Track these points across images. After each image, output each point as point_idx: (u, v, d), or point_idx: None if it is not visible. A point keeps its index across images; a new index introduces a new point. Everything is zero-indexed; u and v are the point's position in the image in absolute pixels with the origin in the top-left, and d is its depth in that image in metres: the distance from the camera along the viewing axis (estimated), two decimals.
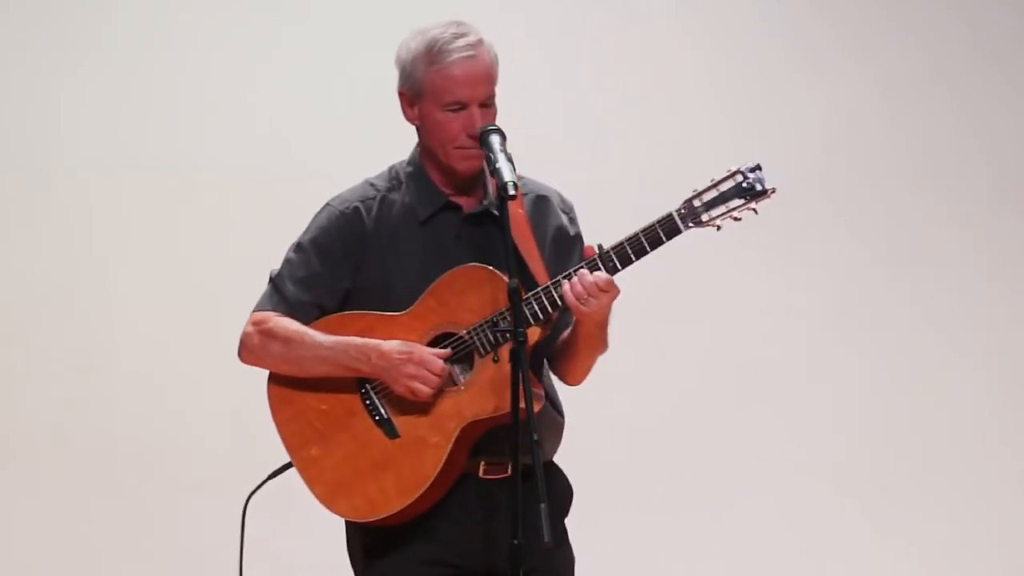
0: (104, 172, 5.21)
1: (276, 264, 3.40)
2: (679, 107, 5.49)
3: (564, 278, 3.12)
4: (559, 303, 3.12)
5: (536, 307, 3.13)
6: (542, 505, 2.92)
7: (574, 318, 3.21)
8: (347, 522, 3.32)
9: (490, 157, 3.13)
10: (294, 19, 5.32)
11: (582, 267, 3.12)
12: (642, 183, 5.29)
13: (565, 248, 3.31)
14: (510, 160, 3.12)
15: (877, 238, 5.55)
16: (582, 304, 3.10)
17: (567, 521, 3.37)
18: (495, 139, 3.16)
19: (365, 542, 3.28)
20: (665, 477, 5.35)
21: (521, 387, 2.99)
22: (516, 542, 2.99)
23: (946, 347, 5.55)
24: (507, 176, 3.08)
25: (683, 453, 5.37)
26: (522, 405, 2.98)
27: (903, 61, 5.60)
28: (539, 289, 3.14)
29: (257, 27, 5.29)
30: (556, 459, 3.35)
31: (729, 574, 5.38)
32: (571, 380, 3.36)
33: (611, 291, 3.11)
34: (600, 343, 3.27)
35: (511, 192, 3.06)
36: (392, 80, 5.27)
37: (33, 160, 5.20)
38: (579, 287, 3.10)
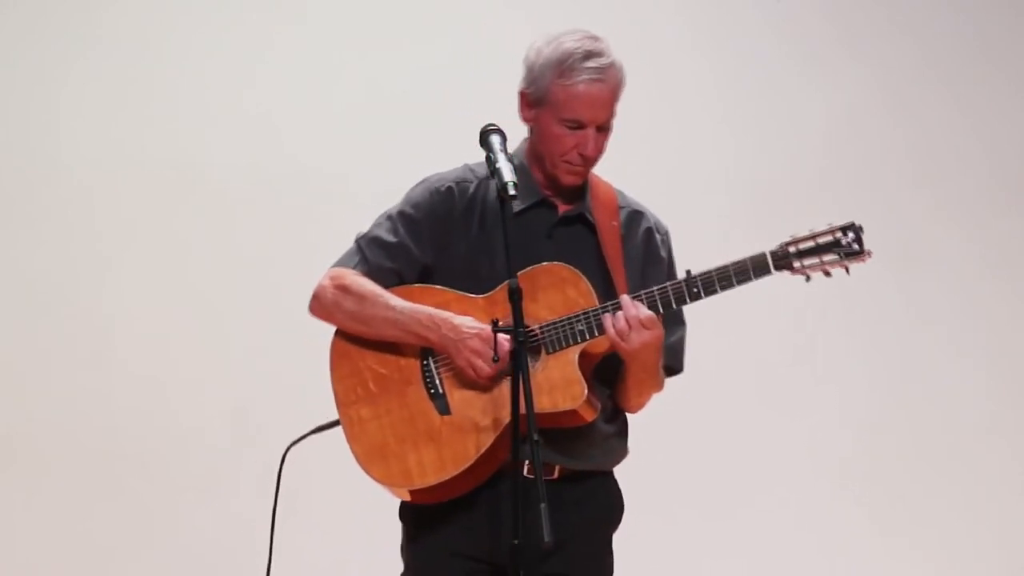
0: (104, 172, 5.21)
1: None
2: (680, 107, 5.50)
3: (613, 308, 3.13)
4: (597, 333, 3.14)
5: (584, 327, 3.15)
6: (542, 505, 2.91)
7: None
8: (399, 514, 3.34)
9: (490, 157, 3.14)
10: (293, 18, 5.32)
11: (663, 288, 3.14)
12: (643, 183, 5.28)
13: (652, 264, 3.31)
14: (510, 160, 3.13)
15: (877, 238, 5.53)
16: (622, 340, 3.11)
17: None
18: (495, 139, 3.17)
19: (408, 531, 3.32)
20: (671, 478, 5.35)
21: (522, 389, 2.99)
22: (516, 542, 2.99)
23: (947, 346, 5.55)
24: (507, 176, 3.09)
25: (686, 453, 5.37)
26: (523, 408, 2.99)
27: (903, 61, 5.60)
28: (612, 303, 3.15)
29: (256, 27, 5.29)
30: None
31: (738, 574, 5.38)
32: (627, 409, 3.37)
33: (653, 328, 3.12)
34: (648, 385, 3.29)
35: (511, 192, 3.07)
36: (391, 79, 5.32)
37: (33, 160, 5.20)
38: (621, 321, 3.11)
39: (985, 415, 5.54)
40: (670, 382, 4.83)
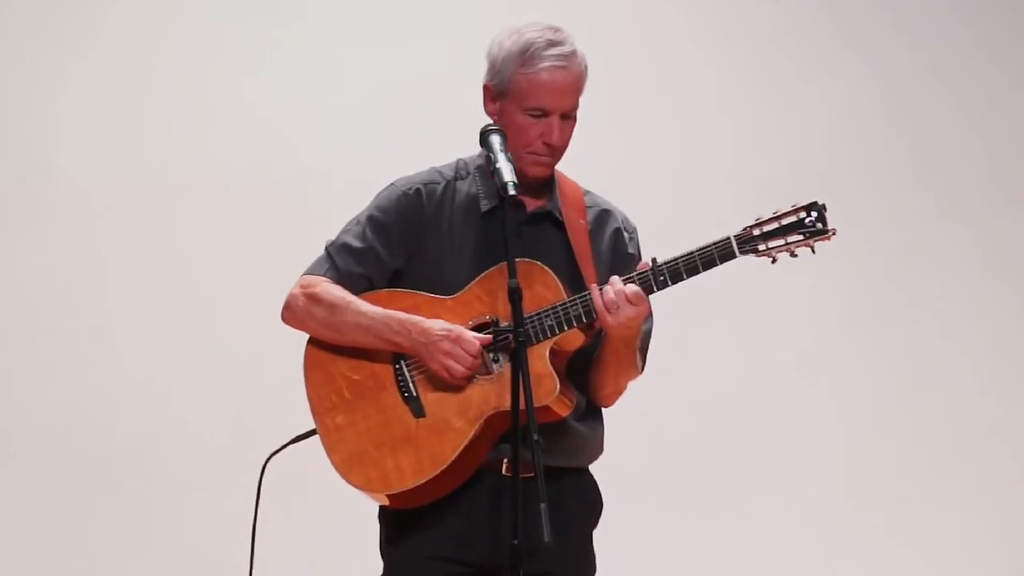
0: (103, 172, 5.21)
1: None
2: (680, 107, 5.50)
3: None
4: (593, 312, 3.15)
5: (581, 310, 3.15)
6: (542, 505, 2.91)
7: (603, 333, 3.22)
8: (378, 514, 3.34)
9: (490, 157, 3.14)
10: (293, 18, 5.32)
11: (630, 277, 3.15)
12: (644, 183, 5.30)
13: (622, 263, 3.31)
14: (510, 161, 3.13)
15: (878, 237, 5.55)
16: (609, 312, 3.12)
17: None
18: (496, 139, 3.17)
19: (388, 532, 3.31)
20: (676, 482, 5.35)
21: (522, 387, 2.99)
22: (515, 542, 2.99)
23: (948, 346, 5.55)
24: (507, 176, 3.09)
25: (690, 458, 5.37)
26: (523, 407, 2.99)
27: (903, 61, 5.61)
28: (580, 296, 3.16)
29: (256, 26, 5.29)
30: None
31: None
32: (600, 400, 3.35)
33: (640, 304, 3.13)
34: (627, 365, 3.27)
35: (511, 192, 3.07)
36: (390, 79, 5.32)
37: (32, 160, 5.20)
38: (610, 294, 3.12)
39: (985, 415, 5.54)
40: (674, 386, 4.83)
